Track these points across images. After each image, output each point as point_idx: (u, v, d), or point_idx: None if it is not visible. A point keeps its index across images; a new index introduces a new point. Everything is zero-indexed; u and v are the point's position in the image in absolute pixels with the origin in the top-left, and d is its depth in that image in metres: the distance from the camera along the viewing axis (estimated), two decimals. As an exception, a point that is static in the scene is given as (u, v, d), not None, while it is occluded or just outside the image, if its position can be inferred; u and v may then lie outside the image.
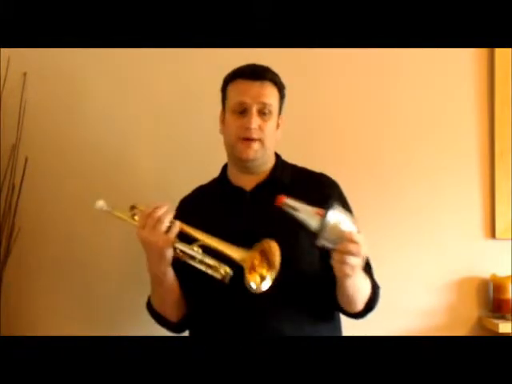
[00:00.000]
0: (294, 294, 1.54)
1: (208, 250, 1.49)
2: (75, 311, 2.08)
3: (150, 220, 1.48)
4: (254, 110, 1.58)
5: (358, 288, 1.51)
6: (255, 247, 1.40)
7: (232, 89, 1.63)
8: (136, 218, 1.60)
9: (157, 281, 1.58)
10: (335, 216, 1.33)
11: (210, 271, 1.48)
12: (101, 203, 1.61)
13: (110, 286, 2.08)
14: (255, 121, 1.58)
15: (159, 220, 1.47)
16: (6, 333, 1.95)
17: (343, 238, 1.34)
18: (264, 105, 1.59)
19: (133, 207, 1.63)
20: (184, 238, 1.52)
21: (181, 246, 1.51)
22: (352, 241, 1.34)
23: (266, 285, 1.40)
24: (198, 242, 1.50)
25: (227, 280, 1.46)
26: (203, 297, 1.63)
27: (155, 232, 1.47)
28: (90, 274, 2.08)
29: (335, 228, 1.33)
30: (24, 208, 2.00)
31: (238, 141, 1.60)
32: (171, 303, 1.63)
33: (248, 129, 1.57)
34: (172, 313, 1.65)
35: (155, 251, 1.50)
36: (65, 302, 2.08)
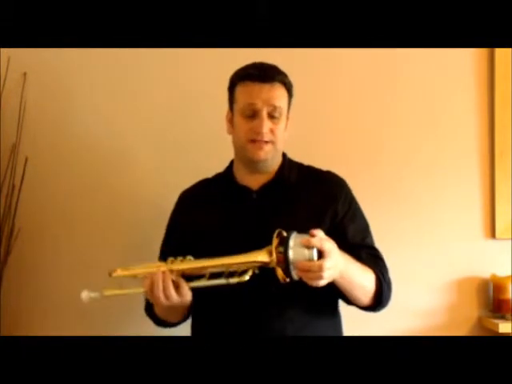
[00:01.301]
0: (296, 294, 1.54)
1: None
2: (75, 311, 2.07)
3: (156, 292, 1.46)
4: (265, 113, 1.56)
5: (354, 285, 1.52)
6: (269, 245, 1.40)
7: (241, 91, 1.60)
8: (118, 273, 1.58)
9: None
10: (293, 248, 1.37)
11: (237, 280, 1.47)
12: (85, 294, 1.54)
13: (111, 285, 2.07)
14: (266, 124, 1.56)
15: (165, 292, 1.46)
16: (5, 333, 1.95)
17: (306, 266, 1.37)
18: (274, 108, 1.57)
19: (111, 273, 1.60)
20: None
21: (196, 284, 1.49)
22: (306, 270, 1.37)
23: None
24: (207, 269, 1.48)
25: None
26: (206, 298, 1.63)
27: (170, 299, 1.47)
28: (89, 274, 2.08)
29: (297, 259, 1.37)
30: (24, 208, 2.01)
31: (249, 142, 1.58)
32: (175, 313, 1.63)
33: (259, 133, 1.56)
34: (172, 318, 1.66)
35: (175, 304, 1.50)
36: (65, 302, 2.07)
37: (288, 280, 1.39)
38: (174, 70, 2.12)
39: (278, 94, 1.59)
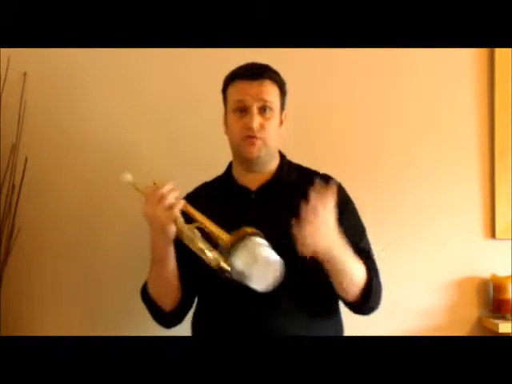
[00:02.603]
0: (297, 293, 1.55)
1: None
2: (75, 311, 2.08)
3: (154, 196, 1.50)
4: (255, 108, 1.59)
5: (343, 272, 1.52)
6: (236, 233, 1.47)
7: (231, 90, 1.64)
8: None
9: (157, 261, 1.57)
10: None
11: (203, 256, 1.50)
12: (128, 176, 1.59)
13: (111, 285, 2.08)
14: (256, 120, 1.58)
15: (163, 196, 1.49)
16: (5, 333, 1.95)
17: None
18: (264, 102, 1.59)
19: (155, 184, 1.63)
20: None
21: (180, 223, 1.52)
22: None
23: None
24: (196, 223, 1.52)
25: (215, 266, 1.48)
26: (206, 297, 1.63)
27: (158, 207, 1.49)
28: (90, 274, 2.08)
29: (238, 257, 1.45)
30: (24, 208, 2.00)
31: (241, 140, 1.60)
32: (168, 289, 1.62)
33: (250, 128, 1.58)
34: (166, 299, 1.64)
35: (158, 226, 1.51)
36: (65, 302, 2.08)
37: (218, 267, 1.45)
38: (173, 70, 2.12)
39: (268, 89, 1.61)
